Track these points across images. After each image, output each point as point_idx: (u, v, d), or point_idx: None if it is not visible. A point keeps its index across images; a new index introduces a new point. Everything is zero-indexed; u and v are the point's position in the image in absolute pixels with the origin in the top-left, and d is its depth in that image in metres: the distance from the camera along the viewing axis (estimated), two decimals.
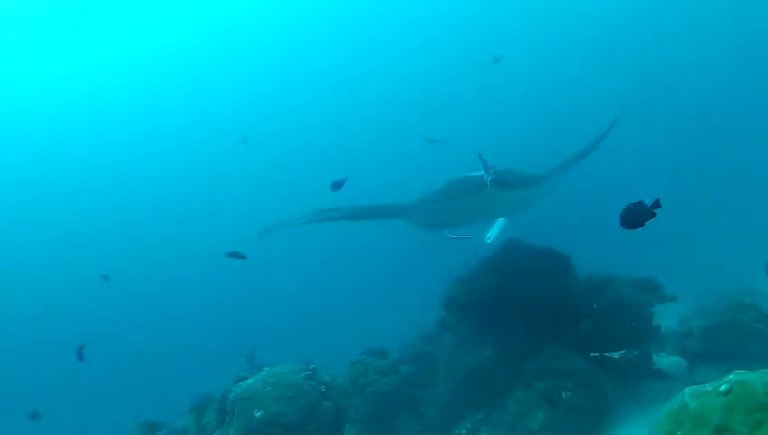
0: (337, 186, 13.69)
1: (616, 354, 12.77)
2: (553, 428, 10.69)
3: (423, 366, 13.16)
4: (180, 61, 44.82)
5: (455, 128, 38.26)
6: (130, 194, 42.15)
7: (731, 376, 4.24)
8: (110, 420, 18.62)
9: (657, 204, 5.87)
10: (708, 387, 4.30)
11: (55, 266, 38.58)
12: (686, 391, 4.39)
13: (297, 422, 10.82)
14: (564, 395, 10.95)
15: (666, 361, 13.30)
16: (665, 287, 12.38)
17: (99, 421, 19.80)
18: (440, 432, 11.98)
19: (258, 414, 10.89)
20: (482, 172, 12.68)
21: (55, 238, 40.36)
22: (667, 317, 13.19)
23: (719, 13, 36.61)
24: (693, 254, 20.63)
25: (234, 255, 12.45)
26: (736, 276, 17.34)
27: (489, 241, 14.33)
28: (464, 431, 11.49)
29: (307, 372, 12.06)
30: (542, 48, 41.46)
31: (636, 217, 5.99)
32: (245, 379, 12.12)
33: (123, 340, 30.36)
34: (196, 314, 31.54)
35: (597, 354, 12.36)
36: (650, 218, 5.97)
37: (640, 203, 5.97)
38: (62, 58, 41.43)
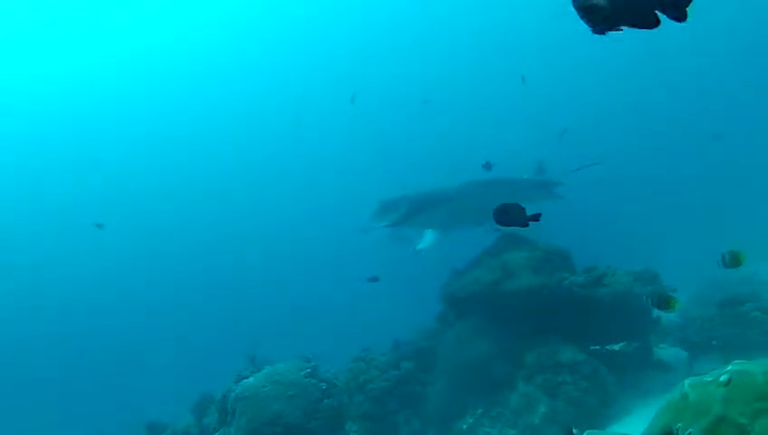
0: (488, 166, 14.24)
1: (616, 346, 12.77)
2: (555, 421, 10.70)
3: (424, 361, 13.14)
4: (179, 57, 44.64)
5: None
6: (128, 191, 41.95)
7: (731, 366, 4.23)
8: (112, 421, 18.61)
9: (535, 217, 5.81)
10: (708, 377, 4.29)
11: (54, 264, 38.48)
12: (686, 381, 4.38)
13: (298, 421, 10.83)
14: (565, 388, 10.97)
15: (666, 352, 13.28)
16: (664, 279, 12.38)
17: (101, 423, 19.78)
18: (442, 428, 11.97)
19: (259, 414, 10.89)
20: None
21: (54, 235, 40.27)
22: None
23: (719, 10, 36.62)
24: (692, 245, 20.65)
25: (373, 279, 13.12)
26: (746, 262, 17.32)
27: (423, 251, 14.51)
28: (465, 426, 11.49)
29: (308, 370, 12.04)
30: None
31: (509, 219, 5.95)
32: (246, 378, 12.12)
33: (124, 340, 30.31)
34: (196, 314, 31.48)
35: (597, 347, 12.37)
36: (522, 227, 5.92)
37: (521, 208, 5.92)
38: (59, 54, 41.27)
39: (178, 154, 44.91)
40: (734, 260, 7.48)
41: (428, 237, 14.57)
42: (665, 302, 7.08)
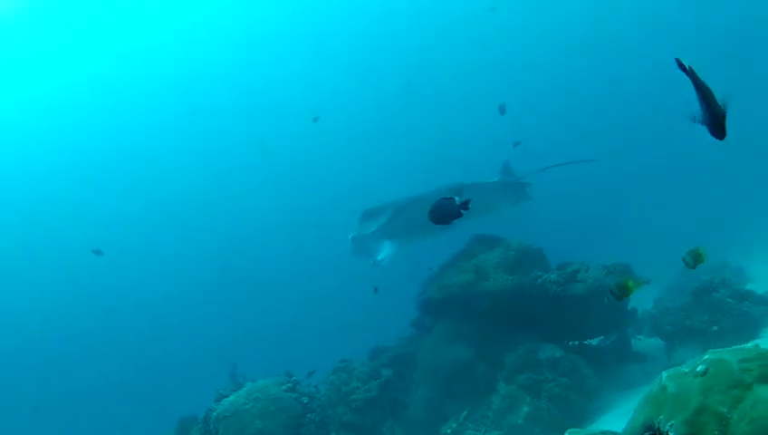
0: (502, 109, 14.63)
1: (594, 341, 12.87)
2: (538, 420, 10.73)
3: (404, 368, 13.08)
4: (176, 58, 43.74)
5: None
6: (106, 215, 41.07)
7: (707, 356, 4.26)
8: None
9: (465, 205, 5.93)
10: (685, 368, 4.31)
11: (41, 285, 37.77)
12: (664, 374, 4.40)
13: None
14: (546, 386, 11.00)
15: (644, 343, 13.43)
16: (636, 270, 12.46)
17: None
18: (426, 434, 11.94)
19: (241, 432, 10.81)
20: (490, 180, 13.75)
21: (50, 241, 39.58)
22: (641, 300, 13.31)
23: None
24: (664, 235, 20.88)
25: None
26: (710, 251, 17.56)
27: (383, 262, 14.59)
28: (449, 431, 11.47)
29: (288, 385, 11.98)
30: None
31: (444, 214, 6.07)
32: (227, 396, 12.02)
33: (107, 362, 29.93)
34: (179, 333, 31.04)
35: (575, 342, 12.44)
36: (458, 217, 6.05)
37: (450, 200, 6.04)
38: (59, 60, 40.26)
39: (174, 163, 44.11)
40: (695, 259, 7.69)
41: (388, 248, 14.62)
42: (623, 288, 7.11)
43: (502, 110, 15.69)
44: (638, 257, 13.88)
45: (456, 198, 6.03)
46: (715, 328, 11.94)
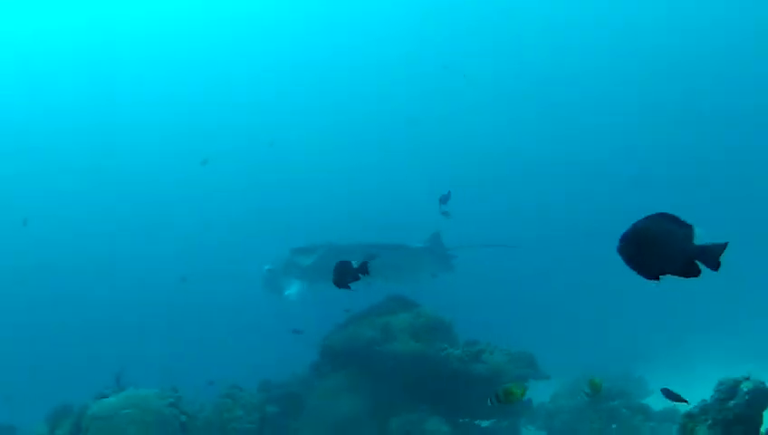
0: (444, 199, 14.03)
1: (485, 422, 12.82)
2: None
3: (290, 408, 12.84)
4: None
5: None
6: None
7: None
8: None
9: (363, 269, 5.99)
10: None
11: None
12: None
13: None
14: None
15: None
16: (540, 364, 12.52)
17: None
18: None
19: None
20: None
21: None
22: (541, 391, 13.38)
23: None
24: (578, 329, 21.10)
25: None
26: (616, 357, 17.81)
27: (291, 298, 14.65)
28: None
29: (171, 400, 11.70)
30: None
31: (340, 276, 6.15)
32: (107, 397, 11.72)
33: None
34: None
35: (466, 420, 12.39)
36: (356, 281, 6.10)
37: (348, 263, 6.11)
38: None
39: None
40: (594, 390, 8.77)
41: (299, 285, 14.66)
42: (508, 395, 7.20)
43: (444, 200, 14.19)
44: (547, 346, 13.98)
45: (354, 262, 6.01)
46: None
